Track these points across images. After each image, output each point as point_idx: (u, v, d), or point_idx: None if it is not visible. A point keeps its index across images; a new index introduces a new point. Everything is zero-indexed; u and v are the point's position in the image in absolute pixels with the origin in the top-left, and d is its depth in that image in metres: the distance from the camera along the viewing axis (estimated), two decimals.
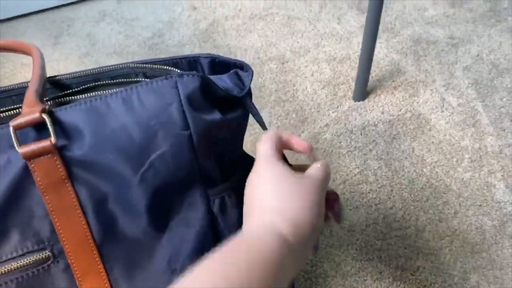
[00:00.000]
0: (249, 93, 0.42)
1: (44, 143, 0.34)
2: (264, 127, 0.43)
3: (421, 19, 1.00)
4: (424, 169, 0.70)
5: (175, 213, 0.39)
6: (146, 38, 1.04)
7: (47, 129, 0.35)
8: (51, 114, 0.36)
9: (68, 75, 0.47)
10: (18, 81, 0.47)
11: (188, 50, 0.98)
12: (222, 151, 0.40)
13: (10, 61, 1.01)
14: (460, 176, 0.69)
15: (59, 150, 0.35)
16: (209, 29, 1.04)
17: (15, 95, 0.47)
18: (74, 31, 1.08)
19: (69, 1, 1.16)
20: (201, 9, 1.10)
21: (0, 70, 0.99)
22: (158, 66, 0.45)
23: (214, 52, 0.98)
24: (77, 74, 0.47)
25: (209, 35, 1.02)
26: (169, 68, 0.44)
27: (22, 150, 0.34)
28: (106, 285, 0.38)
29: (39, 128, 0.36)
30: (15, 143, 0.35)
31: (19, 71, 0.98)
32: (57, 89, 0.48)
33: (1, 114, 0.43)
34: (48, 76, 0.45)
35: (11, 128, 0.35)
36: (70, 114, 0.36)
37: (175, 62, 0.46)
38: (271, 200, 0.33)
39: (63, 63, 0.99)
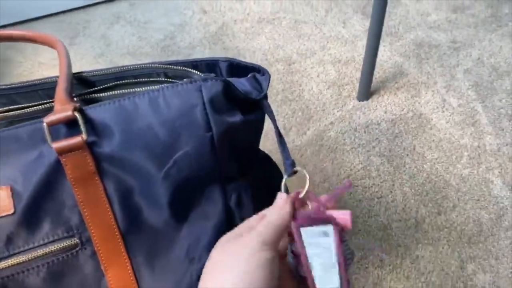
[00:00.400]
0: (266, 96, 0.45)
1: (76, 140, 0.37)
2: (277, 128, 0.43)
3: (424, 23, 1.03)
4: (425, 165, 0.74)
5: (194, 207, 0.41)
6: (158, 40, 1.08)
7: (78, 125, 0.38)
8: (81, 112, 0.39)
9: (92, 72, 0.50)
10: None
11: (199, 52, 1.02)
12: (241, 150, 0.43)
13: (28, 60, 1.05)
14: (459, 172, 0.72)
15: (89, 146, 0.38)
16: (218, 32, 1.08)
17: (41, 89, 0.51)
18: (89, 33, 1.12)
19: (85, 4, 1.20)
20: (211, 13, 1.14)
21: (18, 68, 1.03)
22: (179, 67, 0.48)
23: (223, 53, 1.02)
24: (101, 72, 0.50)
25: (219, 38, 1.06)
26: (189, 69, 0.47)
27: (55, 145, 0.37)
28: (129, 271, 0.41)
29: (70, 125, 0.39)
30: (48, 139, 0.38)
31: (36, 70, 1.02)
32: (81, 85, 0.51)
33: (31, 109, 0.46)
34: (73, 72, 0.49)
35: (44, 125, 0.38)
36: (99, 112, 0.39)
37: (195, 64, 0.48)
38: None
39: (78, 63, 1.03)
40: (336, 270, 0.33)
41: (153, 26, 1.12)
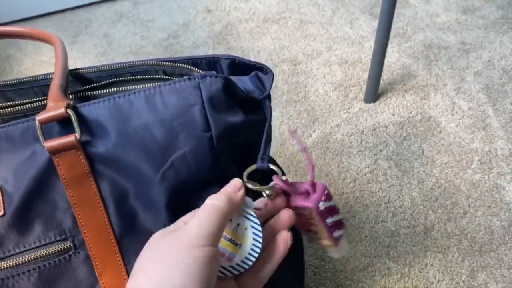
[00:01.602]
0: (269, 96, 0.43)
1: (69, 139, 0.35)
2: (269, 128, 0.41)
3: (433, 25, 1.01)
4: (434, 170, 0.71)
5: (193, 210, 0.40)
6: (161, 39, 1.06)
7: (71, 124, 0.36)
8: (75, 109, 0.37)
9: (89, 69, 0.48)
10: None
11: (202, 52, 1.00)
12: (242, 152, 0.41)
13: (29, 58, 1.04)
14: (470, 178, 0.70)
15: (83, 146, 0.36)
16: (223, 32, 1.06)
17: (36, 86, 0.49)
18: (92, 31, 1.11)
19: (87, 2, 1.19)
20: (215, 12, 1.12)
21: (19, 67, 1.02)
22: (178, 64, 0.46)
23: (227, 53, 1.00)
24: (98, 68, 0.48)
25: (223, 37, 1.04)
26: (189, 67, 0.45)
27: (47, 144, 0.35)
28: (124, 277, 0.39)
29: (63, 123, 0.37)
30: (40, 137, 0.36)
31: (37, 68, 1.01)
32: (78, 82, 0.49)
33: (25, 106, 0.45)
34: (70, 68, 0.47)
35: (37, 122, 0.36)
36: (94, 111, 0.37)
37: (195, 61, 0.46)
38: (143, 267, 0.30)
39: (80, 62, 1.02)
40: None
41: (156, 25, 1.10)
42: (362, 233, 0.64)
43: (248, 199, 0.35)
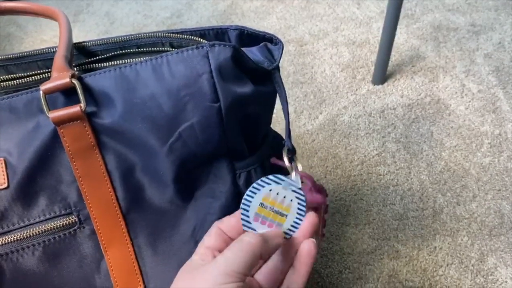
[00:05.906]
0: (278, 67, 0.41)
1: (74, 109, 0.34)
2: (286, 105, 0.39)
3: (442, 6, 0.99)
4: (443, 153, 0.70)
5: (201, 184, 0.38)
6: (164, 18, 1.04)
7: (76, 94, 0.35)
8: (80, 80, 0.36)
9: (94, 42, 0.47)
10: None
11: None
12: (250, 125, 0.40)
13: (30, 37, 1.02)
14: (479, 161, 0.68)
15: (88, 117, 0.35)
16: (227, 11, 1.04)
17: (40, 60, 0.48)
18: (93, 10, 1.09)
19: None
20: None
21: (20, 45, 1.00)
22: (186, 36, 0.44)
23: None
24: (103, 41, 0.47)
25: (227, 17, 1.02)
26: (197, 38, 0.44)
27: (52, 115, 0.34)
28: (130, 252, 0.38)
29: (68, 94, 0.36)
30: (45, 108, 0.35)
31: (38, 47, 0.99)
32: (82, 55, 0.48)
33: (29, 79, 0.43)
34: (74, 42, 0.45)
35: (41, 93, 0.35)
36: (99, 81, 0.36)
37: (202, 33, 0.45)
38: None
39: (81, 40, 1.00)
40: None
41: (159, 3, 1.08)
42: (370, 216, 0.63)
43: (295, 175, 0.35)
